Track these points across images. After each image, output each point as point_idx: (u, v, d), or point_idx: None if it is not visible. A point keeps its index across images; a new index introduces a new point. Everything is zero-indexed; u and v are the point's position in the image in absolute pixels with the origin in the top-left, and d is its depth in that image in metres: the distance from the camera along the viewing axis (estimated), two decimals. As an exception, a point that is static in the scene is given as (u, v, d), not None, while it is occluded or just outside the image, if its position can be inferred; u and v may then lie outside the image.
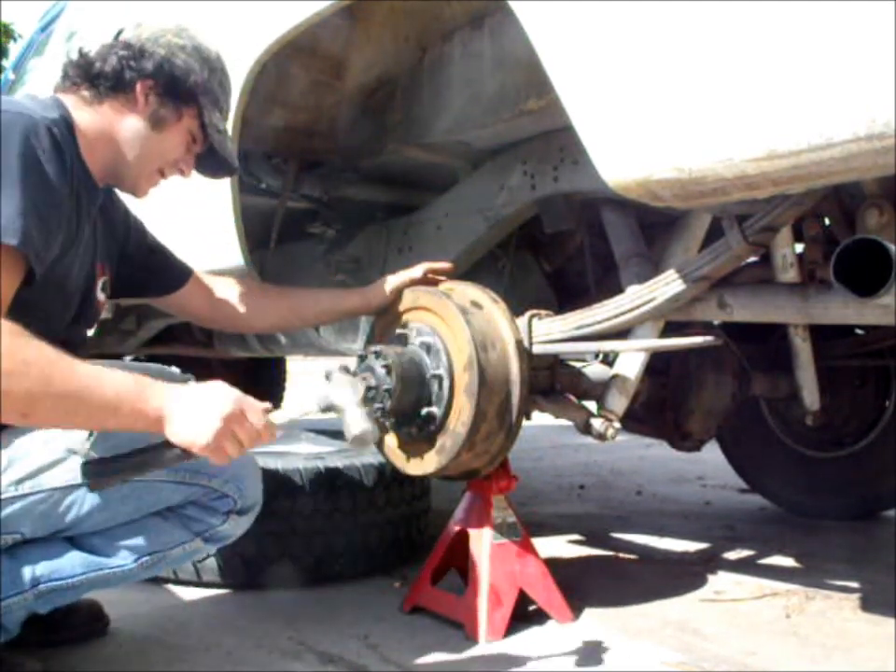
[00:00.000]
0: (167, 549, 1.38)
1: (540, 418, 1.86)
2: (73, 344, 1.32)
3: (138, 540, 1.36)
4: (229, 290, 1.74)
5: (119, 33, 1.46)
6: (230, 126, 1.63)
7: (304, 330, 2.51)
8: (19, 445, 1.29)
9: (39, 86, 3.27)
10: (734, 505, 3.04)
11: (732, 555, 2.31)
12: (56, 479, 1.29)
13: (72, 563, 1.34)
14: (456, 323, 1.59)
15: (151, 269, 1.65)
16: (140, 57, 1.39)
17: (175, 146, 1.45)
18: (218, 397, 1.18)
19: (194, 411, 1.16)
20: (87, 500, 1.30)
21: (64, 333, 1.36)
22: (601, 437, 1.67)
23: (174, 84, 1.41)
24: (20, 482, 1.28)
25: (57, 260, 1.27)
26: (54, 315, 1.36)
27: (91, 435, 1.29)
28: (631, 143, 1.21)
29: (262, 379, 4.68)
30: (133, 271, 1.61)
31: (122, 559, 1.36)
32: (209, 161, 1.53)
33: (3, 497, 1.26)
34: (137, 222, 1.64)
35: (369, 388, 1.59)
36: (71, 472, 1.28)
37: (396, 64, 2.06)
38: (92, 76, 1.39)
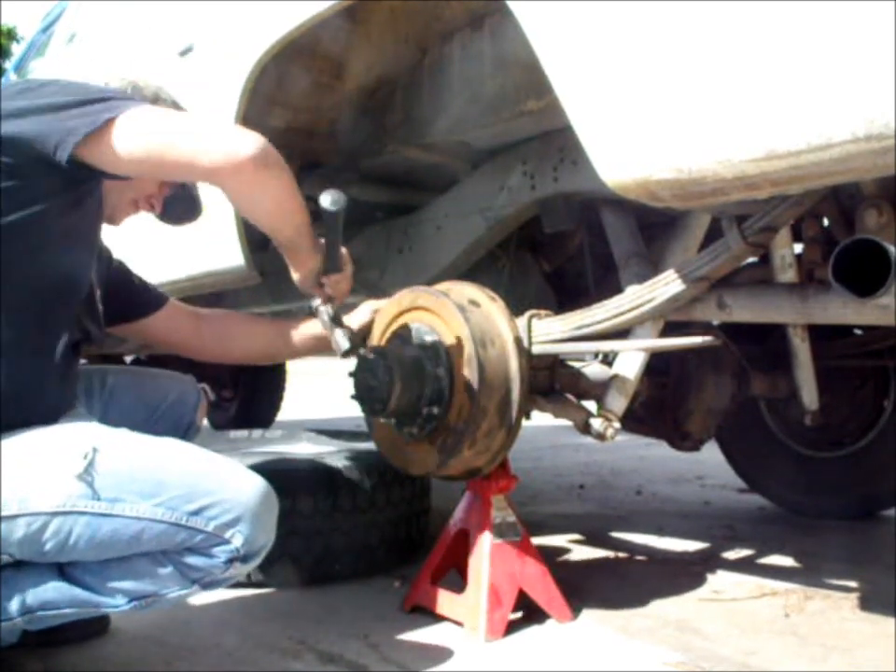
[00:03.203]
0: (162, 594, 1.32)
1: (540, 418, 1.86)
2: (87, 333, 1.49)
3: (132, 584, 1.30)
4: (216, 317, 1.83)
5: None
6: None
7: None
8: (9, 461, 1.24)
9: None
10: (733, 505, 3.04)
11: (731, 555, 2.31)
12: (45, 503, 1.23)
13: (63, 597, 1.30)
14: (455, 321, 1.59)
15: (127, 292, 1.73)
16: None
17: (148, 181, 1.52)
18: None
19: None
20: (75, 529, 1.24)
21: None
22: (601, 437, 1.67)
23: None
24: (6, 501, 1.22)
25: (83, 236, 1.39)
26: (80, 283, 1.43)
27: (86, 456, 1.25)
28: (630, 143, 1.21)
29: (262, 379, 4.67)
30: (110, 297, 1.66)
31: (116, 601, 1.31)
32: (175, 204, 1.63)
33: None
34: (109, 251, 1.74)
35: (369, 388, 1.60)
36: (60, 496, 1.24)
37: (396, 65, 2.06)
38: None
